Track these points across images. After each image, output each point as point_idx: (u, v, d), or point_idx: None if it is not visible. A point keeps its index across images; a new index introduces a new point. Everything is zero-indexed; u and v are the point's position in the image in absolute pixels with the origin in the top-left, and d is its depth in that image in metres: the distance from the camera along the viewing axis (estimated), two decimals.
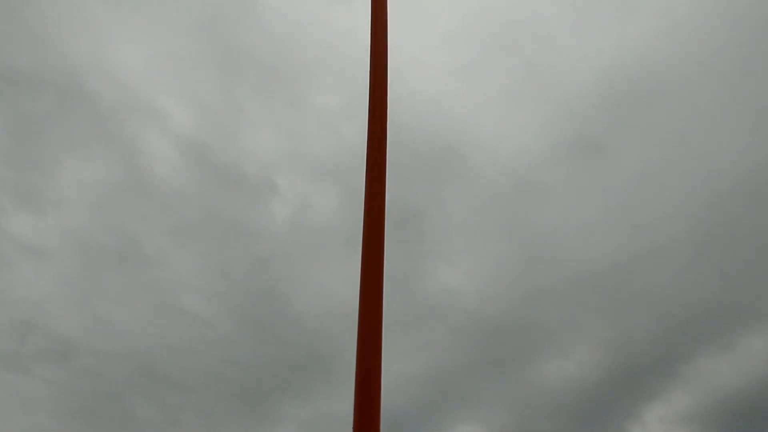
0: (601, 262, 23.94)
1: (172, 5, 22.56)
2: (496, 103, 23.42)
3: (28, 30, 21.68)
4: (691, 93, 22.76)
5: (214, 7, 22.55)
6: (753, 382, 23.64)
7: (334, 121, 23.21)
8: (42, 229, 24.92)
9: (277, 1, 22.35)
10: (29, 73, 21.98)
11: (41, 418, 24.05)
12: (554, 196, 24.61)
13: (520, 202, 24.65)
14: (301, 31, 22.57)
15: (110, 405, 24.86)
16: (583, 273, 24.09)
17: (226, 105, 23.56)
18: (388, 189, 4.56)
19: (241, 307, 25.44)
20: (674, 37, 22.34)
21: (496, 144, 23.73)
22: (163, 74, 23.13)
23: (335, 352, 23.15)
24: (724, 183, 22.70)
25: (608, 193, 24.44)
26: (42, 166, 23.32)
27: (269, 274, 25.10)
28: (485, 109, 23.39)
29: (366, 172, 4.61)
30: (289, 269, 25.13)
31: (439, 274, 24.76)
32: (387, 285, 4.22)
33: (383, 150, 4.69)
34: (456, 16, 22.62)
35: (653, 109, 23.10)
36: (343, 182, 23.55)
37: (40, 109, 22.55)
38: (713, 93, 22.61)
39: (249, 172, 24.11)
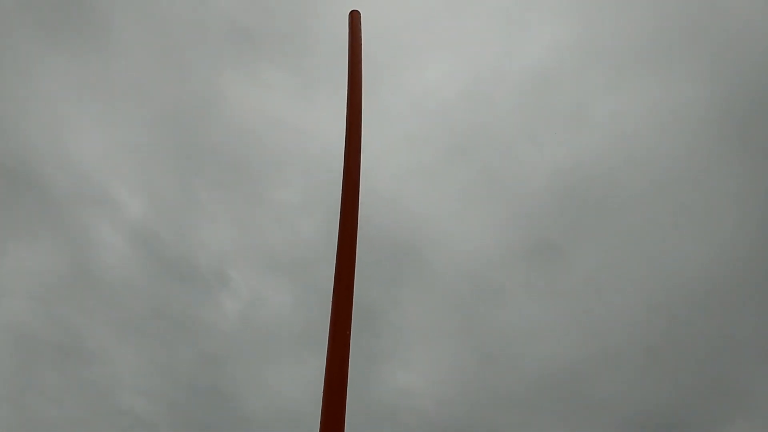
0: (557, 365, 23.73)
1: (132, 96, 22.63)
2: (454, 205, 23.69)
3: None
4: (642, 200, 23.42)
5: (174, 100, 22.67)
6: None
7: (292, 216, 23.08)
8: None
9: (237, 96, 22.61)
10: None
11: None
12: (510, 299, 24.57)
13: (476, 303, 24.53)
14: (262, 127, 22.75)
15: None
16: (539, 376, 23.78)
17: (181, 197, 23.31)
18: None
19: (185, 409, 24.24)
20: (624, 145, 23.19)
21: (453, 245, 23.82)
22: (119, 164, 22.91)
23: None
24: (677, 289, 23.06)
25: (564, 296, 24.53)
26: None
27: (217, 374, 24.12)
28: (443, 209, 23.61)
29: (336, 262, 4.44)
30: (238, 368, 24.22)
31: (395, 375, 24.14)
32: None
33: (353, 243, 4.53)
34: (416, 118, 23.14)
35: (607, 215, 23.63)
36: (298, 278, 23.18)
37: None
38: (663, 201, 23.30)
39: (201, 265, 23.59)
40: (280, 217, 23.18)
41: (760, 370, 22.65)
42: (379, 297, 22.88)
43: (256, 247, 23.63)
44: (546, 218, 23.60)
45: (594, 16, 23.22)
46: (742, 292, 22.63)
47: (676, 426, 24.14)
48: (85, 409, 23.79)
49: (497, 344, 24.51)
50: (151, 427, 23.97)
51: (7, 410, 23.29)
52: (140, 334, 24.65)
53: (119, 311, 24.21)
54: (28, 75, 21.85)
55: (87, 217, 22.66)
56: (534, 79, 23.26)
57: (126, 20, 22.28)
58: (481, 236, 23.94)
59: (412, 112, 23.16)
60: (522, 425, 24.79)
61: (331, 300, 4.30)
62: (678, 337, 23.39)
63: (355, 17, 5.66)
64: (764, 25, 22.07)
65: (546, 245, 23.95)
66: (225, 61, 22.77)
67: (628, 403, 23.81)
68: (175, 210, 23.38)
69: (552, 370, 23.77)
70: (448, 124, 23.23)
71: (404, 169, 23.13)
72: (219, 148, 22.98)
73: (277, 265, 23.46)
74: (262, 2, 22.40)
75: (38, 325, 23.68)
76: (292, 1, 22.45)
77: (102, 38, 22.10)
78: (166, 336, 24.28)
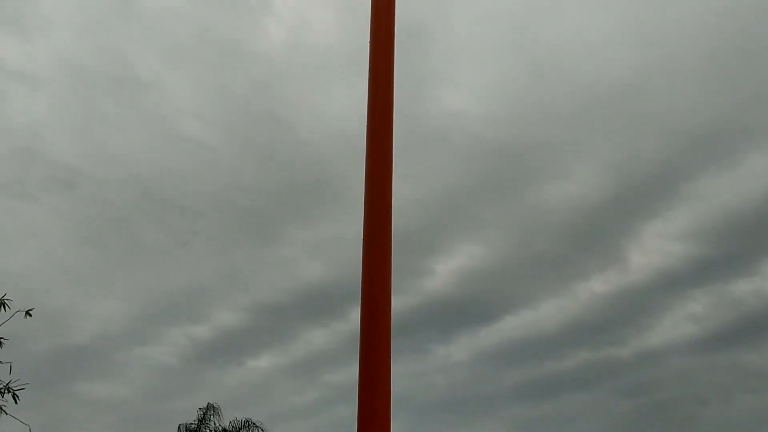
0: (611, 79, 23.23)
1: None
2: None
3: None
4: None
5: None
6: (752, 200, 23.88)
7: None
8: (30, 53, 24.05)
9: None
10: None
11: (51, 245, 24.71)
12: (565, 10, 23.40)
13: (528, 16, 23.50)
14: None
15: (119, 231, 25.43)
16: (592, 91, 23.48)
17: None
18: None
19: (242, 132, 25.21)
20: None
21: None
22: None
23: (340, 176, 23.23)
24: None
25: (620, 4, 23.22)
26: None
27: (269, 98, 24.58)
28: None
29: None
30: (289, 93, 24.56)
31: (444, 96, 24.18)
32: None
33: None
34: None
35: None
36: None
37: None
38: None
39: None
40: None
41: None
42: (426, 14, 22.04)
43: None
44: None
45: None
46: None
47: (732, 137, 24.09)
48: (147, 136, 24.98)
49: (549, 59, 23.89)
50: (211, 150, 25.23)
51: (74, 140, 24.65)
52: (190, 61, 24.82)
53: (166, 38, 24.13)
54: None
55: None
56: None
57: None
58: None
59: None
60: (572, 141, 25.14)
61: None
62: (741, 42, 22.26)
63: None
64: None
65: None
66: None
67: (684, 115, 23.57)
68: None
69: (605, 84, 23.33)
70: None
71: None
72: None
73: None
74: None
75: (89, 56, 23.94)
76: None
77: None
78: (216, 62, 24.40)
